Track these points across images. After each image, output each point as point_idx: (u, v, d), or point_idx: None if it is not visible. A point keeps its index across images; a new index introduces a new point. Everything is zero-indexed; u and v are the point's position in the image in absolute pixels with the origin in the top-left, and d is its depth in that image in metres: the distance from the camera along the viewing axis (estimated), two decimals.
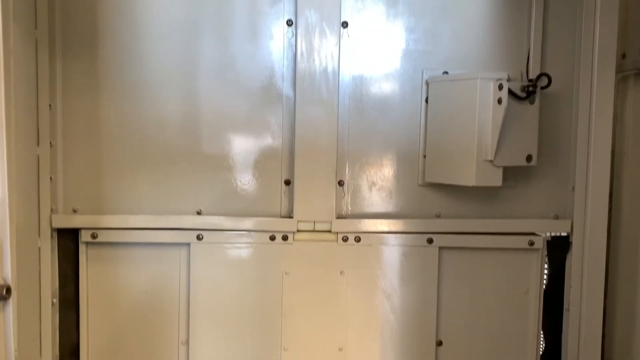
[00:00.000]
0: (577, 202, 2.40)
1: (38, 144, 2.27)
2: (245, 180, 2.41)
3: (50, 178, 2.30)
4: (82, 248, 2.39)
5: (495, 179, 2.22)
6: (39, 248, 2.29)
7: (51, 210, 2.31)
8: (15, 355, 1.79)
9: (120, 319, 2.44)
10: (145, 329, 2.45)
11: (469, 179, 2.21)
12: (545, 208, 2.44)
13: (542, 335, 2.50)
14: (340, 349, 2.45)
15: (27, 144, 2.18)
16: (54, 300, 2.36)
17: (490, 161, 2.18)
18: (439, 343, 2.48)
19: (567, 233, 2.42)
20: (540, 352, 2.49)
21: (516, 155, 2.25)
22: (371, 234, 2.42)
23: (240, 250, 2.41)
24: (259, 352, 2.45)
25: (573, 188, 2.41)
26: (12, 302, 1.81)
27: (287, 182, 2.41)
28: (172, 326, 2.45)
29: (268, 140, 2.41)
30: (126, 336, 2.45)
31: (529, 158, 2.28)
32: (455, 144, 2.26)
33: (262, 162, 2.41)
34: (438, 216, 2.43)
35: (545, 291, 2.48)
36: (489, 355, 2.49)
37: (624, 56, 2.44)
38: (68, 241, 2.40)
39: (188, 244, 2.40)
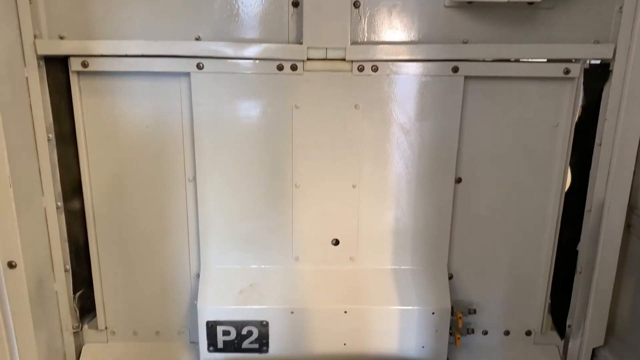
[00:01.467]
0: (624, 24, 2.11)
1: None
2: (248, 2, 2.13)
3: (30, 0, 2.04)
4: (73, 78, 2.19)
5: None
6: (26, 78, 2.10)
7: (34, 36, 2.07)
8: None
9: (122, 156, 2.31)
10: (150, 165, 2.33)
11: None
12: (586, 32, 2.16)
13: (568, 171, 2.34)
14: (353, 186, 2.34)
15: None
16: (50, 135, 2.21)
17: None
18: (458, 180, 2.36)
19: (608, 60, 2.16)
20: (566, 189, 2.35)
21: None
22: (390, 63, 2.18)
23: (245, 81, 2.20)
24: (270, 189, 2.34)
25: (620, 8, 2.11)
26: None
27: (295, 4, 2.13)
28: (177, 162, 2.32)
29: None
30: (130, 173, 2.34)
31: None
32: None
33: None
34: (465, 42, 2.17)
35: (576, 125, 2.28)
36: (510, 193, 2.37)
37: None
38: (57, 72, 2.19)
39: (188, 74, 2.18)
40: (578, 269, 2.42)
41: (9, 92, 1.96)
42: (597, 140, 2.27)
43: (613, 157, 2.22)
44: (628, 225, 2.29)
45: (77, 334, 2.49)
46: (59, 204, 2.28)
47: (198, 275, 2.44)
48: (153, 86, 2.22)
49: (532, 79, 2.22)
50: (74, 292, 2.44)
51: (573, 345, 2.49)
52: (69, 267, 2.38)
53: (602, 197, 2.26)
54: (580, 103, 2.25)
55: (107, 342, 2.53)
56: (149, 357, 2.50)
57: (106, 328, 2.52)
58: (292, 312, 2.35)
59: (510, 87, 2.23)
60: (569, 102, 2.24)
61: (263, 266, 2.43)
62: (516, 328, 2.55)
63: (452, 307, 2.40)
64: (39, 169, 2.20)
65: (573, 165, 2.34)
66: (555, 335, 2.55)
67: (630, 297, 2.35)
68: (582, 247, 2.39)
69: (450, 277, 2.46)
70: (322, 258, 2.42)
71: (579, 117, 2.27)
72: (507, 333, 2.55)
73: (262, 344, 2.39)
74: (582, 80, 2.20)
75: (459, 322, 2.42)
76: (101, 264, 2.45)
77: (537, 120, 2.28)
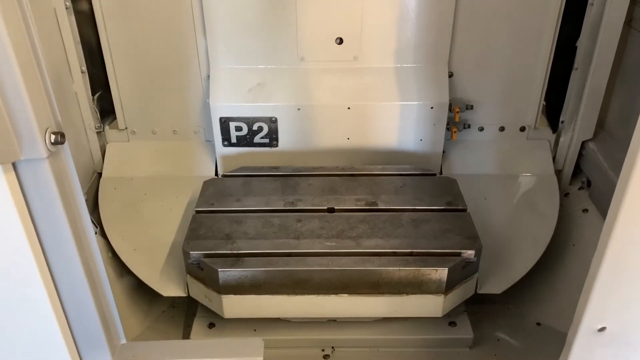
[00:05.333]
0: None
1: None
2: None
3: None
4: None
5: None
6: None
7: None
8: None
9: None
10: None
11: None
12: None
13: None
14: None
15: None
16: None
17: None
18: None
19: None
20: None
21: None
22: None
23: None
24: None
25: None
26: None
27: None
28: None
29: None
30: None
31: None
32: None
33: None
34: None
35: None
36: None
37: None
38: None
39: None
40: (575, 65, 2.46)
41: None
42: None
43: None
44: (629, 20, 2.31)
45: (100, 133, 2.63)
46: (67, 4, 2.30)
47: (208, 77, 2.53)
48: None
49: None
50: (93, 94, 2.55)
51: (564, 139, 2.61)
52: (84, 69, 2.46)
53: None
54: None
55: (129, 141, 2.69)
56: (167, 153, 2.67)
57: (126, 128, 2.66)
58: (298, 109, 2.48)
59: None
60: None
61: (270, 66, 2.50)
62: (511, 124, 2.65)
63: (450, 104, 2.49)
64: None
65: None
66: (547, 131, 2.66)
67: (622, 94, 2.41)
68: (581, 42, 2.42)
69: (451, 75, 2.52)
70: (326, 57, 2.47)
71: None
72: (502, 129, 2.66)
73: (272, 139, 2.55)
74: None
75: (456, 117, 2.54)
76: (116, 68, 2.53)
77: None
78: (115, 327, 1.60)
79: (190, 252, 1.99)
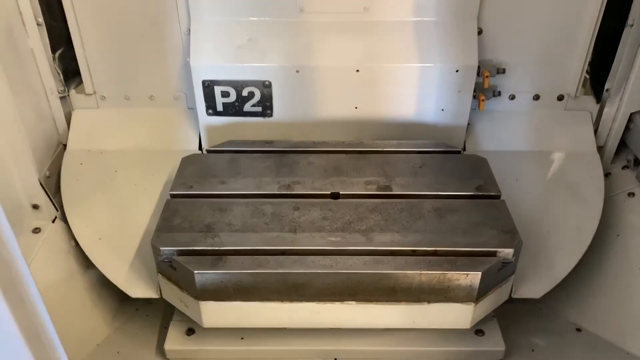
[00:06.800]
0: None
1: None
2: None
3: None
4: None
5: None
6: None
7: None
8: None
9: None
10: None
11: None
12: None
13: None
14: None
15: None
16: None
17: None
18: None
19: None
20: None
21: None
22: None
23: None
24: None
25: None
26: None
27: None
28: None
29: None
30: None
31: None
32: None
33: None
34: None
35: None
36: None
37: None
38: None
39: None
40: (629, 21, 2.09)
41: None
42: None
43: None
44: None
45: (64, 99, 2.30)
46: None
47: (189, 32, 2.14)
48: None
49: None
50: (53, 52, 2.19)
51: (609, 110, 2.28)
52: (41, 20, 2.09)
53: None
54: None
55: (98, 108, 2.35)
56: (143, 123, 2.33)
57: (94, 93, 2.32)
58: (297, 71, 2.10)
59: None
60: None
61: (263, 19, 2.12)
62: (547, 92, 2.30)
63: (478, 67, 2.12)
64: None
65: None
66: (589, 100, 2.31)
67: None
68: None
69: (480, 32, 2.15)
70: (331, 8, 2.09)
71: None
72: (536, 97, 2.31)
73: (266, 107, 2.18)
74: None
75: (485, 83, 2.17)
76: (79, 20, 2.16)
77: None
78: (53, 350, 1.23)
79: (161, 248, 1.61)
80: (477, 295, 1.59)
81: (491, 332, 1.83)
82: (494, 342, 1.81)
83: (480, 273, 1.54)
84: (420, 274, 1.55)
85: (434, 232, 1.67)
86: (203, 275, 1.55)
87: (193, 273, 1.54)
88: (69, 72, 2.29)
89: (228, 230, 1.67)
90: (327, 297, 1.60)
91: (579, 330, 1.99)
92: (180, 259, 1.58)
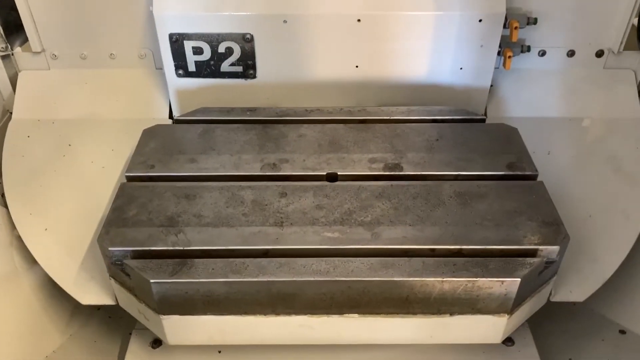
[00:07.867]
0: None
1: None
2: None
3: None
4: None
5: None
6: None
7: None
8: None
9: None
10: None
11: None
12: None
13: None
14: None
15: None
16: None
17: None
18: None
19: None
20: None
21: None
22: None
23: None
24: None
25: None
26: None
27: None
28: None
29: None
30: None
31: None
32: None
33: None
34: None
35: None
36: None
37: None
38: None
39: None
40: None
41: None
42: None
43: None
44: None
45: (7, 58, 2.01)
46: None
47: None
48: None
49: None
50: None
51: None
52: None
53: None
54: None
55: (49, 69, 2.05)
56: (103, 87, 2.03)
57: (43, 50, 2.02)
58: (284, 21, 1.80)
59: None
60: None
61: None
62: (584, 46, 2.00)
63: (505, 16, 1.81)
64: None
65: None
66: (634, 56, 2.00)
67: None
68: None
69: None
70: None
71: None
72: (571, 53, 2.01)
73: (247, 66, 1.88)
74: None
75: (512, 36, 1.85)
76: None
77: None
78: None
79: (110, 248, 1.28)
80: (512, 305, 1.27)
81: (523, 342, 1.54)
82: (527, 354, 1.52)
83: (519, 280, 1.21)
84: (442, 281, 1.22)
85: (458, 225, 1.35)
86: (162, 285, 1.22)
87: (149, 282, 1.21)
88: (11, 25, 2.00)
89: (196, 225, 1.34)
90: (322, 309, 1.28)
91: (622, 332, 1.70)
92: (134, 263, 1.25)
